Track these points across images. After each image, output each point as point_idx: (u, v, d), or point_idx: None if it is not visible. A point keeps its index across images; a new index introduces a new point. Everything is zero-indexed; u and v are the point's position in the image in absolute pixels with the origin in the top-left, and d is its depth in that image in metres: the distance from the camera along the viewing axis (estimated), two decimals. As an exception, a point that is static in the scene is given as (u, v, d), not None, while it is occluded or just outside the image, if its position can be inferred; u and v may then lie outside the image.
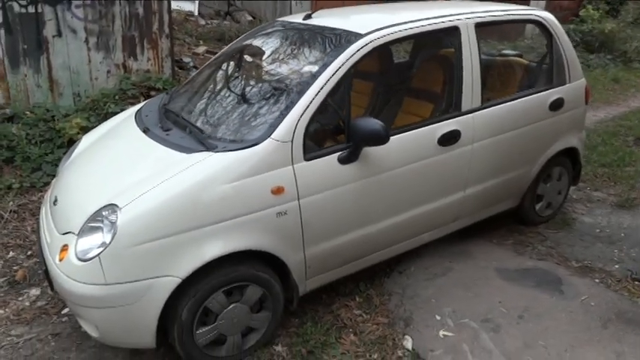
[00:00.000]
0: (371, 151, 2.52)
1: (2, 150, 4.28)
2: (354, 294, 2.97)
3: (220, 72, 3.08)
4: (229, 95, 2.75)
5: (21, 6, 4.63)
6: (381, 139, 2.42)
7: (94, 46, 5.07)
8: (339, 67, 2.47)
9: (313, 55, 2.64)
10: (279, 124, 2.33)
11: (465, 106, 2.90)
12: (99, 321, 2.18)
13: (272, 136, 2.31)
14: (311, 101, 2.38)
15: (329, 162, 2.45)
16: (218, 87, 2.90)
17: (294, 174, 2.35)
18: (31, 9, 4.68)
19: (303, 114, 2.36)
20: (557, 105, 3.34)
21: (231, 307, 2.34)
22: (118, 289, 2.08)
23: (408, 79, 3.40)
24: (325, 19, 2.97)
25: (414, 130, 2.72)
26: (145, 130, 2.66)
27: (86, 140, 3.03)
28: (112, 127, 3.04)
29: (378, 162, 2.59)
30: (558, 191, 3.75)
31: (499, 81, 3.57)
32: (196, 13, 9.79)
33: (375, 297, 2.94)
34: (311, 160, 2.40)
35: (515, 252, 3.40)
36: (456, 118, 2.87)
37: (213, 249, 2.19)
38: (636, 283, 3.06)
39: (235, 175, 2.23)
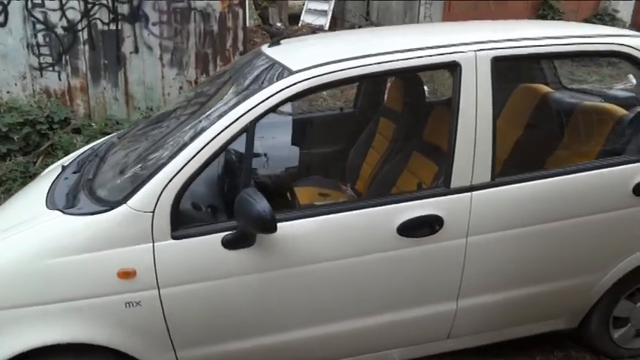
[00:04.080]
0: (278, 235, 1.79)
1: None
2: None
3: (164, 114, 2.59)
4: (142, 143, 2.24)
5: (103, 23, 4.83)
6: (264, 226, 1.68)
7: (168, 62, 5.08)
8: (241, 116, 1.79)
9: (228, 99, 2.00)
10: (141, 188, 1.77)
11: (457, 182, 1.93)
12: None
13: (128, 202, 1.75)
14: (189, 160, 1.75)
15: (210, 244, 1.80)
16: (144, 132, 2.41)
17: (154, 255, 1.76)
18: (112, 26, 4.87)
19: (174, 177, 1.75)
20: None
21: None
22: None
23: (371, 136, 2.49)
24: (288, 47, 2.28)
25: (357, 212, 1.89)
26: (63, 169, 2.34)
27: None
28: None
29: (290, 251, 1.84)
30: (663, 315, 2.40)
31: (550, 139, 2.45)
32: (326, 28, 9.56)
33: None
34: (182, 238, 1.78)
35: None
36: (436, 199, 1.92)
37: (32, 337, 1.74)
38: None
39: (70, 247, 1.73)
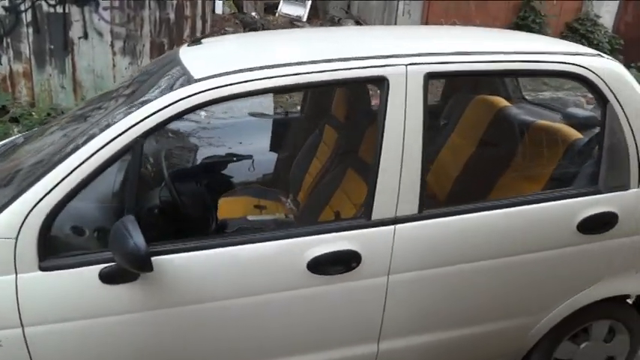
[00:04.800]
0: (168, 269, 1.55)
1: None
2: None
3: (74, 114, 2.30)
4: (36, 150, 1.96)
5: (49, 5, 4.50)
6: (136, 264, 1.44)
7: (120, 50, 4.78)
8: (127, 130, 1.53)
9: (121, 108, 1.73)
10: (4, 209, 1.51)
11: (379, 213, 1.70)
12: None
13: (-14, 226, 1.49)
14: (64, 178, 1.50)
15: (85, 277, 1.54)
16: (44, 135, 2.12)
17: (16, 289, 1.51)
18: (59, 9, 4.54)
19: (45, 196, 1.49)
20: (596, 224, 1.88)
21: None
22: None
23: (315, 145, 2.27)
24: (205, 48, 2.02)
25: (261, 244, 1.65)
26: None
27: None
28: None
29: (180, 288, 1.59)
30: (608, 358, 2.22)
31: (502, 159, 2.25)
32: (304, 19, 9.25)
33: None
34: (53, 270, 1.53)
35: None
36: (354, 232, 1.69)
37: None
38: None
39: None
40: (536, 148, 2.34)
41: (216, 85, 1.58)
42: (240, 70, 1.62)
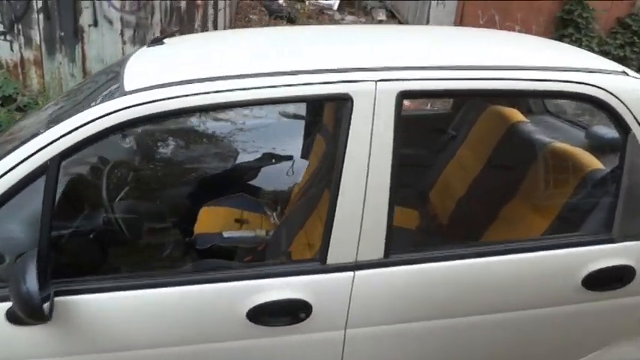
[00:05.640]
0: (83, 311, 1.35)
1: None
2: None
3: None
4: None
5: (60, -9, 4.40)
6: (28, 313, 1.24)
7: (130, 39, 4.64)
8: (38, 151, 1.33)
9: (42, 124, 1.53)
10: None
11: (335, 256, 1.44)
12: None
13: None
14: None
15: (-10, 316, 1.36)
16: None
17: None
18: (69, -5, 4.43)
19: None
20: (606, 279, 1.55)
21: None
22: None
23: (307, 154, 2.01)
24: (162, 50, 1.78)
25: (194, 287, 1.41)
26: None
27: None
28: None
29: (97, 332, 1.39)
30: None
31: (509, 184, 1.94)
32: (335, 8, 8.90)
33: None
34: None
35: None
36: (303, 278, 1.43)
37: None
38: None
39: None
40: (549, 174, 2.02)
41: (146, 100, 1.35)
42: (179, 83, 1.38)
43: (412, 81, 1.43)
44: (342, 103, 1.41)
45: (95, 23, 4.52)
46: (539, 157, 2.06)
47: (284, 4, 8.14)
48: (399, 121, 1.41)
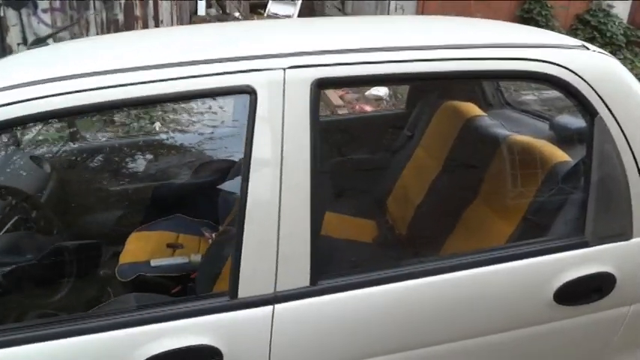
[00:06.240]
0: None
1: None
2: None
3: None
4: None
5: (-17, 9, 4.06)
6: None
7: (65, 57, 4.30)
8: None
9: None
10: None
11: (248, 289, 1.14)
12: None
13: None
14: None
15: None
16: None
17: None
18: (-6, 12, 4.09)
19: None
20: (581, 291, 1.30)
21: None
22: None
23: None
24: (42, 51, 1.48)
25: (78, 338, 1.10)
26: None
27: None
28: None
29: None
30: None
31: (468, 186, 1.69)
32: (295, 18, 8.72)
33: None
34: None
35: None
36: (211, 318, 1.13)
37: None
38: None
39: None
40: (509, 171, 1.77)
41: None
42: (23, 85, 1.08)
43: (331, 66, 1.16)
44: (244, 98, 1.13)
45: (25, 41, 4.18)
46: (497, 153, 1.82)
47: (240, 18, 7.92)
48: (317, 116, 1.14)
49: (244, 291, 1.14)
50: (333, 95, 5.26)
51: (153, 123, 3.28)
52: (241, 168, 1.13)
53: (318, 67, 1.15)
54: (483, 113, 2.12)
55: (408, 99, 2.63)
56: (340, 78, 1.17)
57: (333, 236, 1.97)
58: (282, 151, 1.12)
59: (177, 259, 2.14)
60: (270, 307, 1.14)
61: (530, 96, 4.72)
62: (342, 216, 2.37)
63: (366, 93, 5.26)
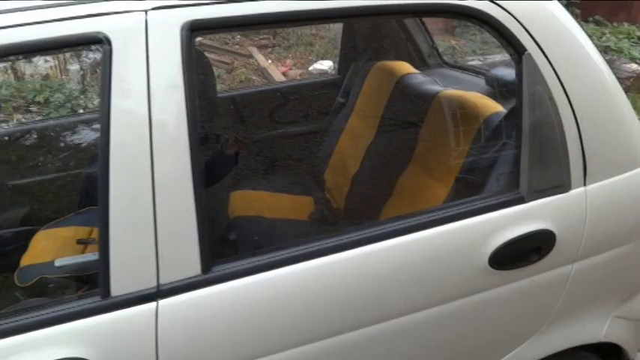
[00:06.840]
0: None
1: None
2: None
3: None
4: None
5: None
6: None
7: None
8: None
9: None
10: None
11: (122, 285, 0.93)
12: None
13: None
14: None
15: None
16: None
17: None
18: None
19: None
20: (519, 253, 1.15)
21: None
22: None
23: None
24: None
25: None
26: None
27: None
28: None
29: None
30: None
31: (403, 148, 1.55)
32: None
33: None
34: None
35: None
36: (78, 323, 0.91)
37: None
38: None
39: None
40: (442, 129, 1.62)
41: None
42: None
43: (207, 5, 0.95)
44: (97, 51, 0.91)
45: None
46: (429, 111, 1.66)
47: None
48: (192, 70, 0.93)
49: (118, 287, 0.93)
50: (275, 72, 5.03)
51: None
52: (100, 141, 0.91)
53: (190, 8, 0.94)
54: (416, 71, 1.97)
55: (339, 63, 2.44)
56: (219, 19, 0.96)
57: (255, 215, 1.78)
58: (149, 117, 0.91)
59: (87, 257, 1.90)
60: (152, 304, 0.94)
61: (475, 61, 4.61)
62: (278, 194, 2.19)
63: (310, 68, 5.05)
